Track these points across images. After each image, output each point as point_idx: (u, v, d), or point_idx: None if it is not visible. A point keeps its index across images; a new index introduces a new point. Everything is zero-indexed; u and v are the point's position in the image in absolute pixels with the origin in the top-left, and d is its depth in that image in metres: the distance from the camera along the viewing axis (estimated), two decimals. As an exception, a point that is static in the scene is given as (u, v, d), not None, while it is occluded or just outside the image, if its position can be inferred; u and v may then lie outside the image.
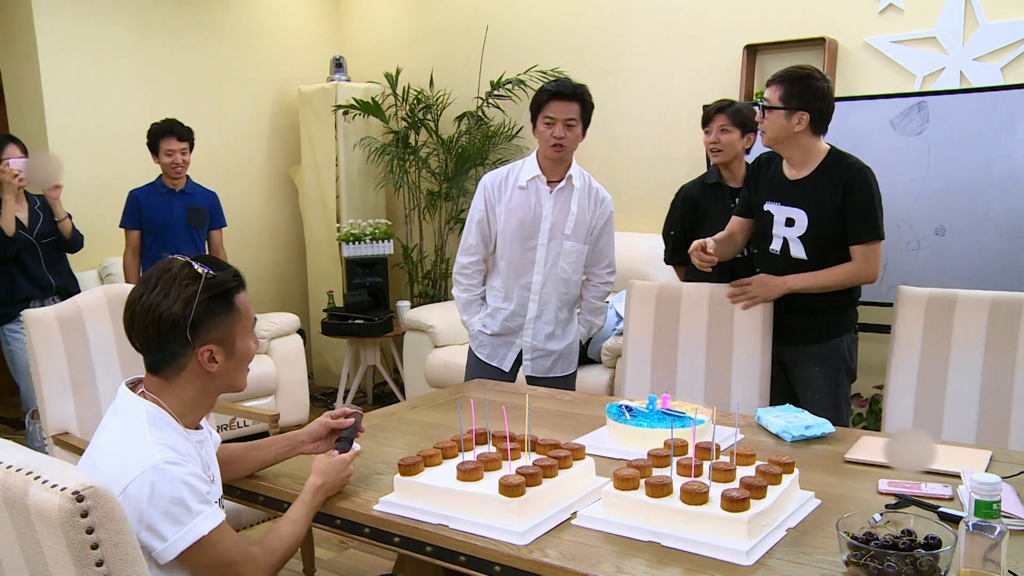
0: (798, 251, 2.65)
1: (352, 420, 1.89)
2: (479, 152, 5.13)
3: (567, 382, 3.07)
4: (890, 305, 2.63)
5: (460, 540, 1.56)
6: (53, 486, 1.18)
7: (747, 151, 3.21)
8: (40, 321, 2.55)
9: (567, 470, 1.72)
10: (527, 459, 1.76)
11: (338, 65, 5.62)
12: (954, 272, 3.38)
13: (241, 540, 1.58)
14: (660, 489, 1.56)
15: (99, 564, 1.19)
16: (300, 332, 4.99)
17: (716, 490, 1.53)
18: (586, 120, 2.88)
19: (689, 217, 3.24)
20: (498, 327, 3.02)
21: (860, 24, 3.97)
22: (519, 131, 5.16)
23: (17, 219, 3.74)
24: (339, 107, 5.33)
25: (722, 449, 1.81)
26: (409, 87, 5.36)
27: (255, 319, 1.68)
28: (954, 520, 1.53)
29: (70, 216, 3.89)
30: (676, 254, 3.31)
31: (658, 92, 4.64)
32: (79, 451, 2.39)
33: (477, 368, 3.08)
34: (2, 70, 4.87)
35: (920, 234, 3.54)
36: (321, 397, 5.61)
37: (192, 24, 5.27)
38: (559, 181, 2.91)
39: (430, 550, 1.61)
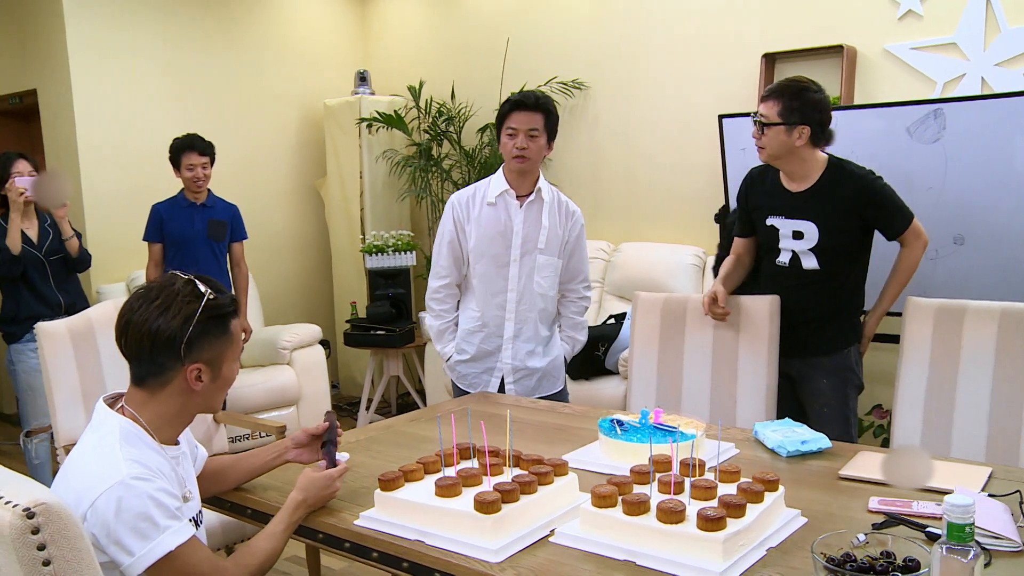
0: (810, 263, 2.63)
1: (327, 424, 1.89)
2: (501, 163, 5.13)
3: (558, 400, 2.96)
4: (900, 315, 2.57)
5: (436, 557, 1.55)
6: (7, 502, 1.18)
7: None
8: (53, 334, 2.60)
9: (548, 486, 1.70)
10: (508, 474, 1.74)
11: (362, 79, 5.68)
12: (974, 282, 3.28)
13: (212, 555, 1.58)
14: (637, 507, 1.53)
15: (51, 580, 1.20)
16: (325, 343, 5.03)
17: (694, 508, 1.50)
18: (551, 131, 2.79)
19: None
20: (475, 350, 2.91)
21: (879, 31, 3.90)
22: (540, 142, 5.15)
23: (26, 236, 3.75)
24: (363, 120, 5.38)
25: (709, 465, 1.76)
26: (432, 100, 5.40)
27: (242, 348, 1.70)
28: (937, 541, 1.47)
29: (79, 235, 3.91)
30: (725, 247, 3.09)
31: (677, 102, 4.60)
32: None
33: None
34: (38, 88, 5.01)
35: (938, 243, 3.45)
36: (346, 407, 5.65)
37: (221, 40, 5.37)
38: (528, 195, 2.84)
39: (406, 566, 1.59)
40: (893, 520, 1.60)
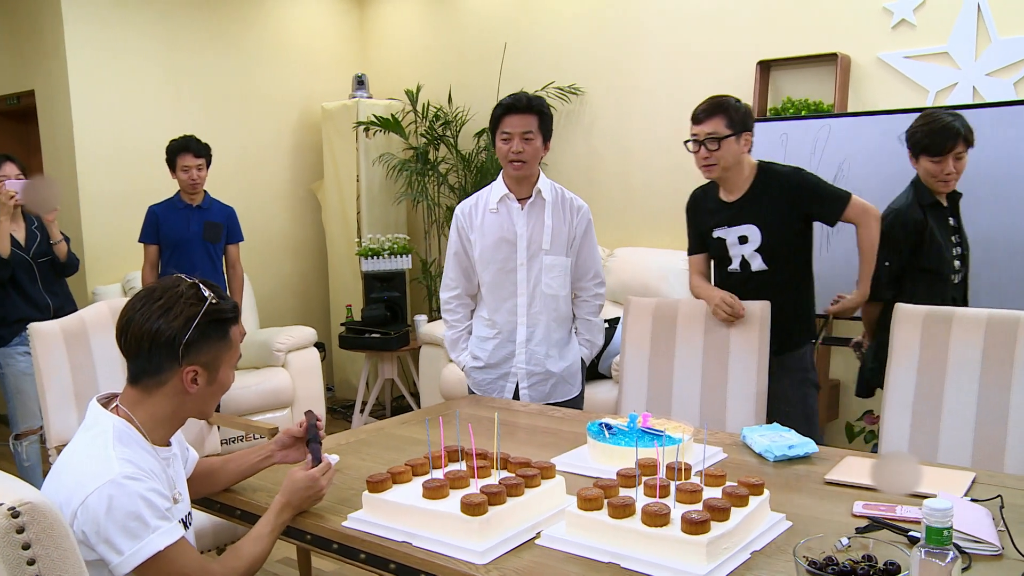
0: (758, 264, 2.77)
1: (306, 422, 1.90)
2: (498, 168, 5.13)
3: (572, 407, 2.92)
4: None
5: (422, 558, 1.56)
6: None
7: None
8: (45, 335, 2.60)
9: (535, 489, 1.71)
10: (495, 477, 1.75)
11: (360, 82, 5.70)
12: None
13: (200, 557, 1.59)
14: (622, 510, 1.54)
15: (36, 579, 1.20)
16: (320, 346, 5.04)
17: (679, 512, 1.51)
18: (546, 132, 2.79)
19: (910, 241, 2.90)
20: (489, 356, 2.89)
21: (873, 40, 3.93)
22: (537, 146, 5.17)
23: (13, 239, 3.72)
24: (360, 123, 5.39)
25: (695, 470, 1.77)
26: (429, 104, 5.42)
27: (240, 355, 1.72)
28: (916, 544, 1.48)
29: (67, 239, 3.89)
30: (892, 287, 2.94)
31: (673, 108, 4.62)
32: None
33: None
34: (35, 89, 5.02)
35: (930, 250, 3.47)
36: (341, 410, 5.66)
37: (218, 42, 5.39)
38: (529, 197, 2.83)
39: (394, 567, 1.60)
40: (876, 524, 1.61)
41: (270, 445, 1.95)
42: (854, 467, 1.93)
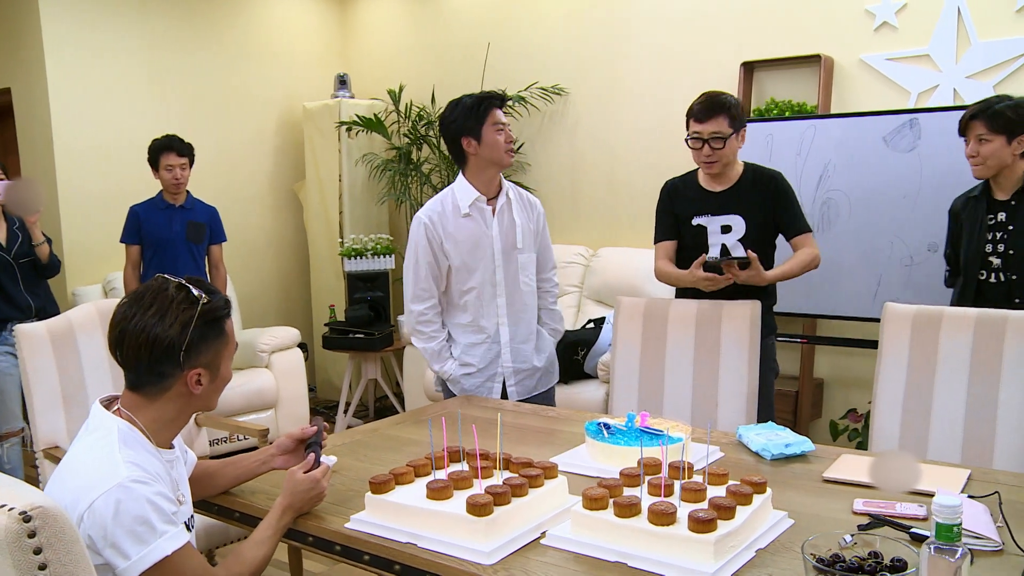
0: (740, 253, 2.81)
1: (315, 428, 1.89)
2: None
3: (548, 396, 3.03)
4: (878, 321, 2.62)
5: (428, 559, 1.55)
6: (2, 506, 1.16)
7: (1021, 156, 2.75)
8: (32, 336, 2.56)
9: (538, 489, 1.71)
10: (499, 477, 1.75)
11: (342, 82, 5.67)
12: (947, 289, 3.35)
13: (205, 562, 1.58)
14: (628, 509, 1.54)
15: (47, 585, 1.19)
16: (302, 346, 5.01)
17: (685, 510, 1.52)
18: None
19: (957, 232, 2.98)
20: (478, 361, 2.87)
21: (855, 42, 3.98)
22: (520, 147, 5.18)
23: None
24: (342, 123, 5.37)
25: (696, 468, 1.78)
26: (412, 104, 5.40)
27: (237, 345, 1.71)
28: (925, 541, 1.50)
29: (49, 241, 3.86)
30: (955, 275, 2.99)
31: (657, 108, 4.65)
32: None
33: None
34: (12, 88, 4.94)
35: (913, 250, 3.52)
36: (323, 411, 5.63)
37: (199, 41, 5.34)
38: (497, 197, 2.84)
39: (398, 568, 1.60)
40: (878, 521, 1.63)
41: (270, 449, 1.93)
42: (851, 465, 1.95)
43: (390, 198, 5.47)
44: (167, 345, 1.53)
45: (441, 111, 5.31)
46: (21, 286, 3.76)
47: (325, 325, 5.28)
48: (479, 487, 1.68)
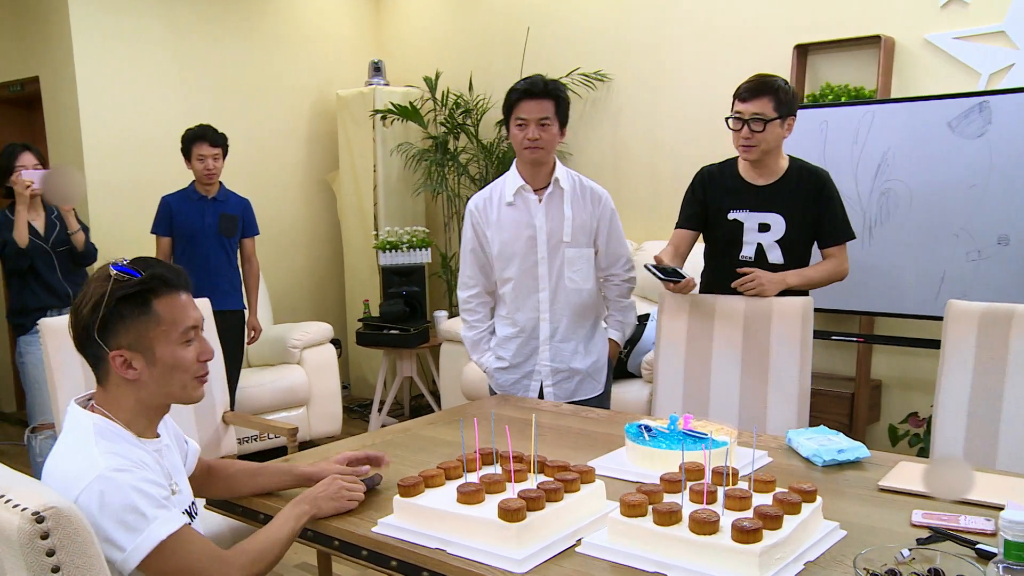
0: (775, 256, 2.70)
1: (372, 477, 1.84)
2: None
3: (598, 404, 2.84)
4: (940, 319, 2.48)
5: (457, 566, 1.49)
6: (15, 506, 1.15)
7: None
8: (56, 330, 2.54)
9: (574, 494, 1.64)
10: (533, 481, 1.67)
11: (376, 69, 5.59)
12: (1018, 285, 3.18)
13: (212, 545, 1.50)
14: (668, 517, 1.46)
15: (61, 586, 1.15)
16: (336, 342, 4.96)
17: (728, 519, 1.43)
18: (563, 118, 2.68)
19: None
20: (512, 356, 2.81)
21: (920, 20, 3.78)
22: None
23: (33, 227, 3.73)
24: (377, 112, 5.31)
25: (742, 475, 1.69)
26: (448, 91, 5.31)
27: (191, 327, 1.56)
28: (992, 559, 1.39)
29: (85, 229, 3.88)
30: None
31: (703, 95, 4.51)
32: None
33: None
34: (40, 76, 4.95)
35: (981, 244, 3.35)
36: (357, 409, 5.59)
37: (230, 28, 5.29)
38: (546, 187, 2.74)
39: (427, 575, 1.53)
40: (939, 535, 1.52)
41: (313, 476, 1.83)
42: (910, 473, 1.83)
43: (426, 189, 5.39)
44: (84, 327, 1.48)
45: (479, 98, 5.30)
46: (59, 273, 3.79)
47: (359, 321, 5.21)
48: (512, 491, 1.61)
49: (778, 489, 1.58)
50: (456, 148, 5.34)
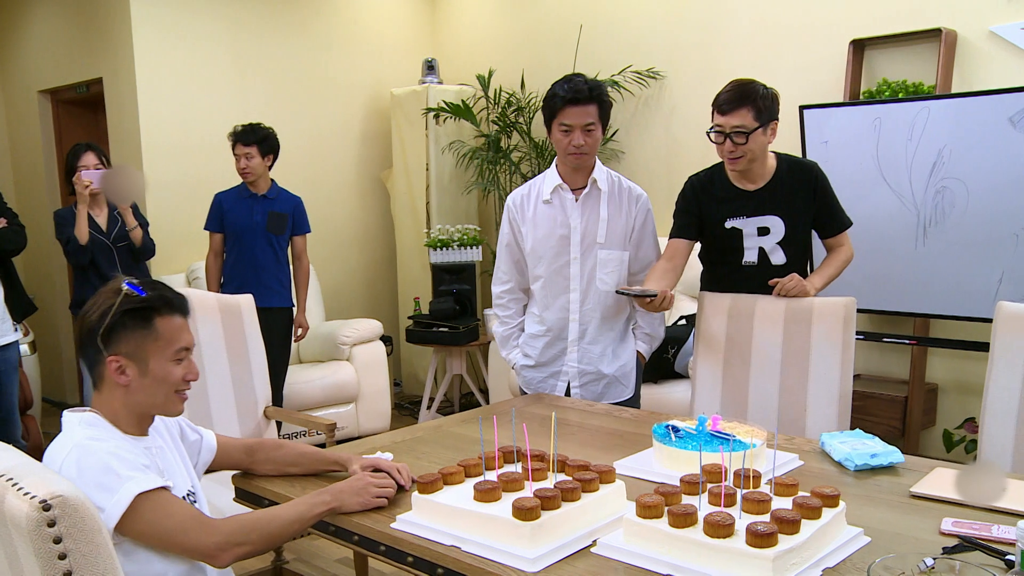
0: (778, 258, 2.66)
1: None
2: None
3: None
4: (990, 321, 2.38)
5: (471, 564, 1.49)
6: (26, 494, 1.17)
7: None
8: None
9: (592, 493, 1.62)
10: (552, 480, 1.66)
11: (430, 67, 5.62)
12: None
13: (195, 510, 1.58)
14: (683, 519, 1.44)
15: (67, 575, 1.18)
16: (387, 339, 4.99)
17: (744, 522, 1.40)
18: (605, 120, 2.66)
19: None
20: (539, 355, 2.80)
21: (984, 11, 3.63)
22: (614, 134, 5.04)
23: (95, 223, 3.85)
24: (430, 110, 5.34)
25: (765, 478, 1.65)
26: (501, 89, 5.31)
27: (184, 348, 1.68)
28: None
29: (144, 225, 3.98)
30: None
31: (757, 92, 4.42)
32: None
33: None
34: (103, 77, 5.09)
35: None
36: (408, 406, 5.62)
37: (287, 28, 5.37)
38: (584, 188, 2.72)
39: (441, 572, 1.54)
40: (968, 544, 1.46)
41: (352, 462, 1.89)
42: (945, 480, 1.76)
43: (478, 187, 5.39)
44: (89, 331, 1.62)
45: (531, 96, 5.28)
46: (119, 269, 3.89)
47: (409, 318, 5.24)
48: (529, 490, 1.60)
49: (800, 493, 1.54)
50: (508, 146, 5.34)
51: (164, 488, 1.54)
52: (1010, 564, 1.38)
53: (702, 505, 1.49)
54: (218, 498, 2.37)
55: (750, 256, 2.67)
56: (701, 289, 2.82)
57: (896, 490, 1.76)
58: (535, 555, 1.46)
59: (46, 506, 1.16)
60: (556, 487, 1.58)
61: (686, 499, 1.54)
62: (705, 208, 2.71)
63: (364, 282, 5.90)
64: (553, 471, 1.70)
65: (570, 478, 1.65)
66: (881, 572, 1.25)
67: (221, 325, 2.87)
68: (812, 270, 2.82)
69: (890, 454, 1.89)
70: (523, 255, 2.81)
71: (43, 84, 5.64)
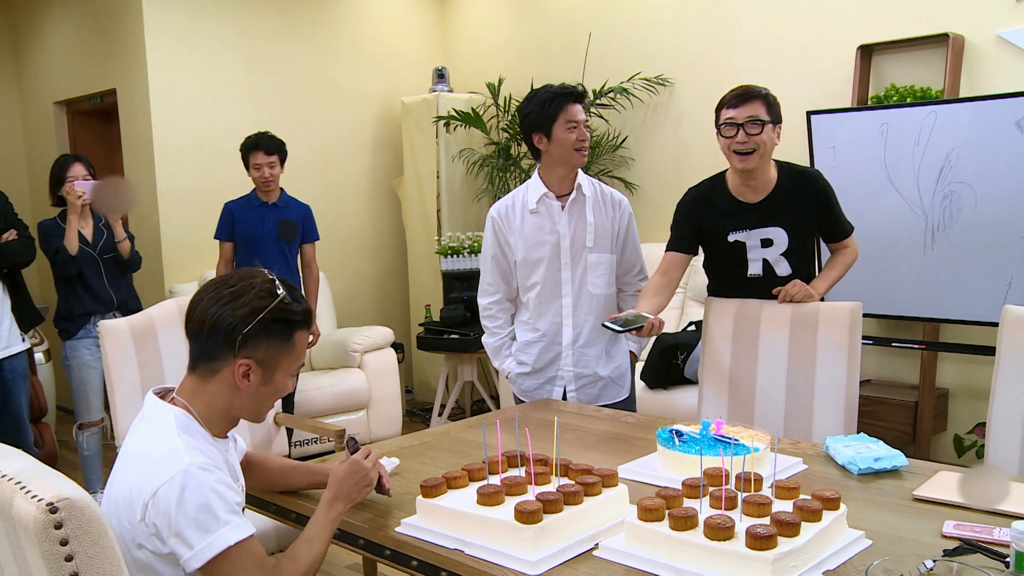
0: (784, 269, 2.64)
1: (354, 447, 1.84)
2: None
3: (623, 409, 2.82)
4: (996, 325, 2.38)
5: (474, 567, 1.50)
6: (33, 496, 1.18)
7: None
8: (114, 332, 2.63)
9: (595, 497, 1.63)
10: (555, 484, 1.68)
11: (440, 76, 5.66)
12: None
13: (267, 556, 1.55)
14: (684, 522, 1.45)
15: (74, 576, 1.20)
16: (398, 346, 5.01)
17: (744, 525, 1.41)
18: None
19: None
20: (534, 361, 2.81)
21: (991, 16, 3.63)
22: (623, 141, 5.05)
23: (82, 235, 3.85)
24: (440, 118, 5.37)
25: (767, 482, 1.65)
26: (511, 97, 5.34)
27: (301, 364, 1.67)
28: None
29: (131, 237, 3.99)
30: None
31: (766, 98, 4.42)
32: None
33: None
34: (117, 88, 5.14)
35: (1053, 250, 3.20)
36: (420, 412, 5.63)
37: (298, 36, 5.41)
38: (569, 194, 2.75)
39: (445, 575, 1.55)
40: (969, 547, 1.46)
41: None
42: (948, 483, 1.77)
43: (488, 195, 5.40)
44: (229, 324, 1.53)
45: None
46: (105, 280, 3.92)
47: (420, 325, 5.26)
48: (532, 494, 1.61)
49: (801, 496, 1.55)
50: (518, 153, 5.36)
51: (252, 536, 1.51)
52: (1010, 567, 1.38)
53: (703, 508, 1.50)
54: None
55: (755, 268, 2.66)
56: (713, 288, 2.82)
57: (899, 493, 1.77)
58: (537, 558, 1.47)
59: (53, 508, 1.17)
60: (558, 491, 1.59)
61: (688, 503, 1.54)
62: (705, 221, 2.69)
63: (375, 289, 5.92)
64: (556, 475, 1.72)
65: (573, 482, 1.66)
66: (880, 574, 1.25)
67: (233, 332, 2.89)
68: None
69: (894, 458, 1.89)
70: (510, 266, 2.82)
71: (59, 95, 5.71)
